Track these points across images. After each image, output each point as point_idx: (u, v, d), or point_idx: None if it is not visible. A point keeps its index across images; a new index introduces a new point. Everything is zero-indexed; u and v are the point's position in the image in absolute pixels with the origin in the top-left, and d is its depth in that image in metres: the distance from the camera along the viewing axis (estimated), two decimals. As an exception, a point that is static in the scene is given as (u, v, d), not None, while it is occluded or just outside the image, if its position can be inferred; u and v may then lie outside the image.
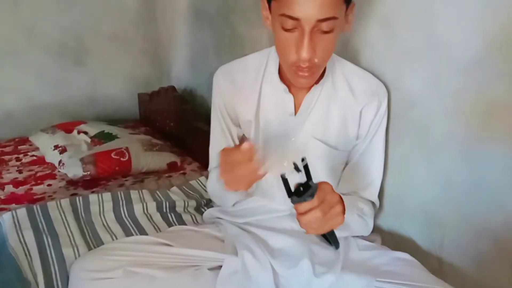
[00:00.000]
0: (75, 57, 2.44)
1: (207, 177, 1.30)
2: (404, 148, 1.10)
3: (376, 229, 1.21)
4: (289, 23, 0.81)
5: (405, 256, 0.98)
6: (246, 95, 1.04)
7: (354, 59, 1.14)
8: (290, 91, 1.00)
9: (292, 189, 0.81)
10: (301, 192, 0.79)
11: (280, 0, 0.80)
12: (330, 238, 0.96)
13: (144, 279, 0.87)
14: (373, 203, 1.09)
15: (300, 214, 0.79)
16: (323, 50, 0.84)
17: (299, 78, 0.89)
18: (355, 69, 1.04)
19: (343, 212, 0.82)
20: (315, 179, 0.83)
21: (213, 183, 1.08)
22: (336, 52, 1.06)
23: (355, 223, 1.00)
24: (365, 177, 1.07)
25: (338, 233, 0.98)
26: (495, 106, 0.88)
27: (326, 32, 0.81)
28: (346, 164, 1.09)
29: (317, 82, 0.98)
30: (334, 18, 0.79)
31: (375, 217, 1.18)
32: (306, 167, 0.80)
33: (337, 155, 1.04)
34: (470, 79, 0.91)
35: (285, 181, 0.80)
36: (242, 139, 0.89)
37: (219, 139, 1.11)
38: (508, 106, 0.85)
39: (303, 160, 0.80)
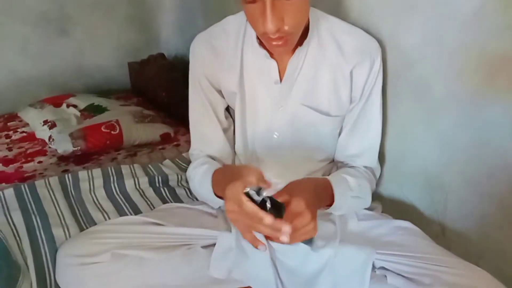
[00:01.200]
0: (58, 27, 2.33)
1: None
2: (403, 110, 1.04)
3: (376, 196, 1.17)
4: None
5: (407, 224, 0.94)
6: (228, 63, 0.96)
7: (347, 17, 1.07)
8: (272, 56, 0.92)
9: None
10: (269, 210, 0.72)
11: None
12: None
13: (133, 261, 0.83)
14: (373, 171, 1.03)
15: None
16: (292, 17, 0.77)
17: (274, 47, 0.83)
18: (343, 26, 0.96)
19: (315, 228, 0.75)
20: (309, 147, 0.77)
21: (197, 185, 0.98)
22: (328, 10, 0.99)
23: (350, 206, 0.94)
24: (362, 143, 1.01)
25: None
26: (500, 61, 0.81)
27: None
28: (341, 130, 1.03)
29: (300, 43, 0.90)
30: None
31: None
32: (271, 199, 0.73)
33: (330, 121, 0.98)
34: (473, 34, 0.84)
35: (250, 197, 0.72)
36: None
37: (201, 117, 1.03)
38: (511, 60, 0.79)
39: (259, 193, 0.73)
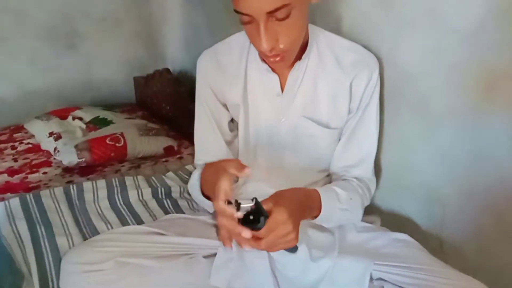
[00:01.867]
0: (67, 41, 2.39)
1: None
2: (402, 124, 1.07)
3: (375, 210, 1.19)
4: (244, 18, 0.79)
5: (405, 237, 0.95)
6: (232, 77, 1.00)
7: (348, 34, 1.10)
8: (274, 70, 0.96)
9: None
10: (251, 220, 0.73)
11: None
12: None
13: (136, 269, 0.84)
14: (367, 185, 1.04)
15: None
16: (286, 36, 0.81)
17: (273, 64, 0.89)
18: (342, 41, 0.99)
19: (296, 238, 0.77)
20: (309, 158, 0.78)
21: (194, 185, 0.99)
22: (329, 27, 1.02)
23: (338, 219, 0.95)
24: (358, 153, 1.03)
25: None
26: (498, 76, 0.84)
27: (283, 19, 0.78)
28: (339, 141, 1.05)
29: (299, 57, 0.94)
30: (284, 5, 0.75)
31: (374, 197, 1.15)
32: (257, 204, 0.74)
33: (329, 134, 1.01)
34: (471, 50, 0.87)
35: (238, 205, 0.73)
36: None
37: (204, 129, 1.06)
38: (510, 75, 0.81)
39: (253, 200, 0.74)
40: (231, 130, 1.08)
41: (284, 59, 0.87)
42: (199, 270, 0.90)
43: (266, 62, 0.95)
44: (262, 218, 0.72)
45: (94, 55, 2.49)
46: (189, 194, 1.32)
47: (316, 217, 0.89)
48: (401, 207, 1.14)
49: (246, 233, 0.70)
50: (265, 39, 0.79)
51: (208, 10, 1.90)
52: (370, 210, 1.17)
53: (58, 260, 1.00)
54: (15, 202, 1.21)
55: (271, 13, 0.76)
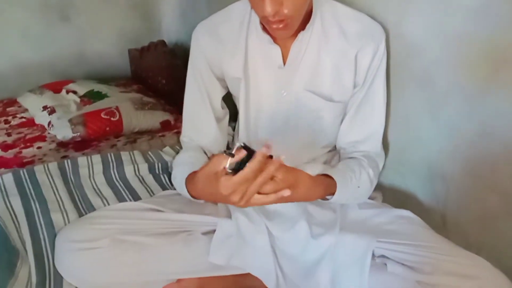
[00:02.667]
0: (60, 13, 2.31)
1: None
2: (407, 99, 1.03)
3: (377, 186, 1.16)
4: None
5: (407, 213, 0.93)
6: (232, 49, 0.96)
7: (352, 4, 1.05)
8: (276, 41, 0.92)
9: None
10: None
11: None
12: None
13: (132, 247, 0.83)
14: (375, 160, 1.02)
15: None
16: (291, 0, 0.77)
17: (275, 31, 0.83)
18: (348, 11, 0.95)
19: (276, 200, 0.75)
20: (312, 133, 0.76)
21: (180, 186, 0.94)
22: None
23: (352, 196, 0.94)
24: (366, 128, 1.00)
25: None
26: (504, 52, 0.80)
27: None
28: (344, 116, 1.02)
29: (303, 28, 0.89)
30: None
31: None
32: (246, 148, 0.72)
33: (333, 107, 0.98)
34: (478, 24, 0.83)
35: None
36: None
37: (195, 104, 1.03)
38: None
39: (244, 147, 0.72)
40: (222, 108, 1.05)
41: (288, 27, 0.82)
42: (198, 247, 0.88)
43: (268, 33, 0.90)
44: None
45: (88, 27, 2.42)
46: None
47: (325, 199, 0.89)
48: (404, 183, 1.12)
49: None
50: (270, 2, 0.75)
51: (205, -20, 1.84)
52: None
53: (53, 236, 0.98)
54: (8, 177, 1.17)
55: None
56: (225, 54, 0.96)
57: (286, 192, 0.71)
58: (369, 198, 1.03)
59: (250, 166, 0.68)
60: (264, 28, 0.90)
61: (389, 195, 1.12)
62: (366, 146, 1.01)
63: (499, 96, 0.84)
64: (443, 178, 1.00)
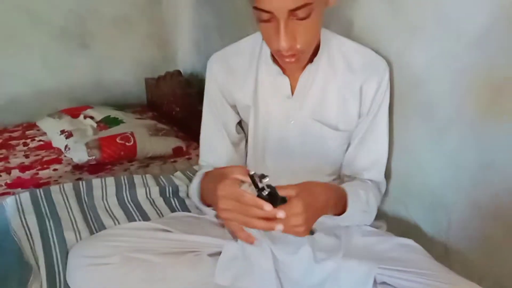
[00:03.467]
0: (79, 41, 2.43)
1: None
2: (410, 129, 1.07)
3: (381, 215, 1.18)
4: (263, 15, 0.80)
5: (409, 242, 0.95)
6: (242, 79, 1.01)
7: (358, 38, 1.10)
8: (285, 72, 0.97)
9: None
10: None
11: None
12: None
13: (142, 264, 0.86)
14: (378, 186, 1.05)
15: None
16: (304, 36, 0.83)
17: (287, 64, 0.89)
18: (353, 45, 1.00)
19: (306, 231, 0.78)
20: (318, 160, 0.80)
21: (194, 192, 1.00)
22: (340, 31, 1.03)
23: (357, 219, 0.98)
24: (370, 157, 1.04)
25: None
26: (506, 82, 0.83)
27: (303, 18, 0.79)
28: (349, 145, 1.06)
29: (311, 61, 0.95)
30: (308, 4, 0.77)
31: (381, 202, 1.16)
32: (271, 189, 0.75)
33: (338, 136, 1.02)
34: (479, 55, 0.87)
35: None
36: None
37: (211, 129, 1.08)
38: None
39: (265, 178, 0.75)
40: (238, 133, 1.09)
41: (299, 60, 0.88)
42: (204, 267, 0.91)
43: (277, 64, 0.96)
44: (279, 200, 0.74)
45: (106, 56, 2.53)
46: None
47: (338, 214, 0.91)
48: (407, 213, 1.13)
49: (268, 206, 0.71)
50: (285, 38, 0.80)
51: (218, 13, 1.93)
52: (377, 215, 1.16)
53: (65, 253, 1.02)
54: (25, 196, 1.22)
55: (292, 11, 0.78)
56: (236, 83, 1.02)
57: (280, 214, 0.73)
58: (374, 227, 1.05)
59: (251, 198, 0.72)
60: (274, 60, 0.96)
61: (393, 224, 1.14)
62: (370, 174, 1.04)
63: (500, 127, 0.86)
64: (446, 208, 1.02)
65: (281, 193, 0.76)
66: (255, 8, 0.80)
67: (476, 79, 0.89)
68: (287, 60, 0.87)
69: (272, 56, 0.96)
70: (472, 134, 0.93)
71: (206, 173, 0.95)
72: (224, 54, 1.05)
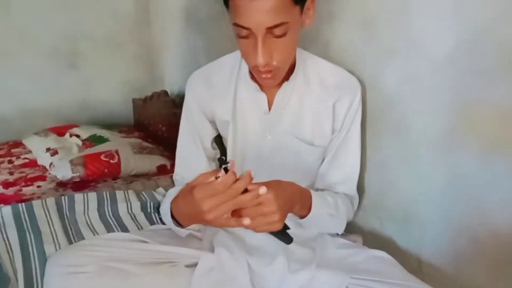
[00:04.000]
0: (69, 61, 2.47)
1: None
2: (383, 147, 1.11)
3: (357, 230, 1.22)
4: (242, 32, 0.84)
5: (382, 254, 0.98)
6: (222, 95, 1.05)
7: (335, 60, 1.15)
8: (262, 89, 1.01)
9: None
10: None
11: (231, 10, 0.83)
12: (276, 236, 0.95)
13: (118, 274, 0.86)
14: (351, 200, 1.09)
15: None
16: (280, 53, 0.87)
17: (263, 80, 0.93)
18: (327, 65, 1.05)
19: (280, 221, 0.81)
20: (294, 174, 0.86)
21: (165, 213, 0.98)
22: (318, 54, 1.08)
23: (324, 224, 1.01)
24: (342, 172, 1.08)
25: (309, 231, 1.01)
26: (469, 103, 0.88)
27: (279, 36, 0.84)
28: (323, 160, 1.10)
29: (287, 78, 0.99)
30: (284, 23, 0.82)
31: (356, 216, 1.19)
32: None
33: (313, 151, 1.05)
34: (445, 77, 0.92)
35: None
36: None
37: (188, 144, 1.11)
38: (481, 102, 0.86)
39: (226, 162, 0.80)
40: (213, 149, 1.13)
41: (275, 77, 0.92)
42: (180, 278, 0.92)
43: (255, 81, 1.00)
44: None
45: (94, 76, 2.57)
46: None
47: (304, 216, 0.94)
48: (382, 228, 1.17)
49: (243, 181, 0.76)
50: (262, 54, 0.85)
51: (205, 35, 1.99)
52: (353, 229, 1.21)
53: (44, 265, 1.01)
54: (7, 210, 1.23)
55: (270, 29, 0.82)
56: (216, 99, 1.06)
57: (263, 189, 0.77)
58: (349, 240, 1.08)
59: (221, 180, 0.75)
60: (252, 77, 1.00)
61: (368, 238, 1.17)
62: (342, 188, 1.08)
63: (466, 145, 0.91)
64: (418, 223, 1.06)
65: (252, 188, 0.80)
66: (235, 24, 0.84)
67: (442, 100, 0.94)
68: (264, 76, 0.91)
69: (251, 73, 1.00)
70: (440, 152, 0.97)
71: (175, 198, 0.95)
72: (205, 71, 1.09)
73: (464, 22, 0.86)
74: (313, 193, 0.95)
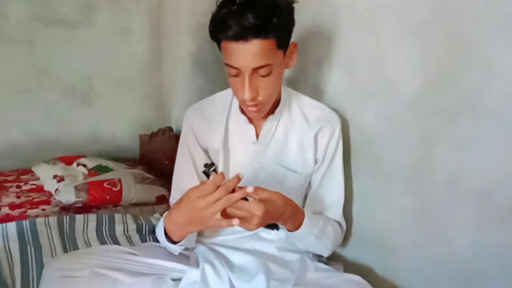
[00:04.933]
0: (83, 98, 2.62)
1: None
2: (363, 179, 1.20)
3: (340, 258, 1.28)
4: (232, 71, 0.96)
5: (357, 278, 1.03)
6: (214, 126, 1.16)
7: (320, 99, 1.27)
8: (251, 121, 1.12)
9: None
10: None
11: (223, 52, 0.97)
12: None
13: (108, 280, 0.94)
14: (339, 224, 1.16)
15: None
16: (265, 90, 0.98)
17: (250, 112, 1.04)
18: (310, 101, 1.17)
19: (257, 224, 0.89)
20: None
21: (159, 230, 1.05)
22: (307, 94, 1.19)
23: (310, 242, 1.07)
24: (328, 200, 1.16)
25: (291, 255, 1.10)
26: (435, 138, 0.98)
27: (264, 76, 0.96)
28: (310, 187, 1.18)
29: (272, 112, 1.10)
30: (268, 65, 0.94)
31: (339, 246, 1.25)
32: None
33: (297, 178, 1.14)
34: (414, 115, 1.02)
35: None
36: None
37: (183, 170, 1.20)
38: (443, 137, 0.95)
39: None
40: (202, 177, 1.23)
41: (260, 110, 1.03)
42: (166, 290, 0.99)
43: (244, 114, 1.11)
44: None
45: (106, 112, 2.71)
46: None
47: (292, 231, 1.02)
48: (362, 256, 1.23)
49: (232, 181, 0.87)
50: (248, 90, 0.96)
51: (211, 79, 2.14)
52: (335, 258, 1.27)
53: (41, 275, 1.10)
54: (11, 225, 1.33)
55: (255, 70, 0.94)
56: (209, 129, 1.17)
57: (250, 188, 0.86)
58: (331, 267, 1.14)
59: (211, 179, 0.85)
60: (242, 110, 1.11)
61: (350, 267, 1.23)
62: (329, 213, 1.16)
63: (433, 175, 0.99)
64: (392, 251, 1.12)
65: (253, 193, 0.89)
66: (226, 64, 0.97)
67: (412, 135, 1.04)
68: (250, 109, 1.02)
69: (241, 107, 1.11)
70: (410, 183, 1.05)
71: (169, 212, 1.02)
72: (200, 105, 1.21)
73: (430, 66, 0.97)
74: (307, 215, 1.03)
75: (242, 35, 0.90)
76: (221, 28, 0.92)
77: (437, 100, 0.96)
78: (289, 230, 1.04)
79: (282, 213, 0.95)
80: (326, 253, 1.14)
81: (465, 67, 0.89)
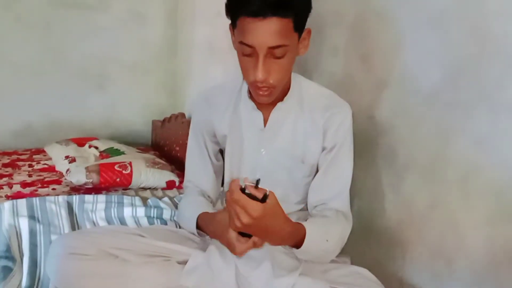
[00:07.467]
0: (97, 81, 2.62)
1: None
2: (375, 173, 1.18)
3: (348, 251, 1.26)
4: (247, 50, 0.94)
5: (363, 271, 1.03)
6: (222, 112, 1.16)
7: (337, 90, 1.25)
8: (259, 108, 1.11)
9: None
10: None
11: (238, 30, 0.94)
12: None
13: (115, 260, 0.95)
14: (345, 215, 1.11)
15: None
16: (277, 73, 0.97)
17: (259, 96, 1.02)
18: (321, 89, 1.15)
19: (238, 229, 0.88)
20: (285, 189, 1.00)
21: (185, 206, 1.16)
22: (321, 84, 1.17)
23: (314, 256, 1.03)
24: (333, 188, 1.11)
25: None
26: (450, 132, 0.96)
27: (278, 58, 0.94)
28: (315, 176, 1.15)
29: (281, 99, 1.09)
30: (284, 45, 0.92)
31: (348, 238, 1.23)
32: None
33: (303, 167, 1.13)
34: (430, 107, 1.00)
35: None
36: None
37: (195, 155, 1.22)
38: (460, 132, 0.93)
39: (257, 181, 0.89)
40: (217, 160, 1.24)
41: (270, 94, 1.01)
42: (172, 272, 0.99)
43: (253, 100, 1.10)
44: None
45: (120, 97, 2.70)
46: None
47: (293, 247, 1.00)
48: (370, 250, 1.22)
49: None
50: (261, 70, 0.94)
51: (225, 69, 2.14)
52: (343, 251, 1.24)
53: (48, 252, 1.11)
54: (22, 202, 1.34)
55: (271, 49, 0.92)
56: (217, 115, 1.17)
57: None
58: (338, 262, 1.13)
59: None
60: (251, 96, 1.10)
61: (357, 260, 1.20)
62: (335, 203, 1.11)
63: (446, 171, 0.98)
64: (401, 246, 1.11)
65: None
66: (241, 42, 0.95)
67: (427, 128, 1.02)
68: (261, 92, 1.00)
69: (249, 93, 1.10)
70: (424, 178, 1.04)
71: (203, 217, 1.08)
72: (208, 92, 1.22)
73: (449, 58, 0.95)
74: (308, 231, 0.97)
75: (261, 11, 0.88)
76: (241, 3, 0.91)
77: (455, 93, 0.94)
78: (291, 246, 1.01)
79: (277, 231, 0.92)
80: (328, 259, 1.08)
81: (486, 60, 0.87)
